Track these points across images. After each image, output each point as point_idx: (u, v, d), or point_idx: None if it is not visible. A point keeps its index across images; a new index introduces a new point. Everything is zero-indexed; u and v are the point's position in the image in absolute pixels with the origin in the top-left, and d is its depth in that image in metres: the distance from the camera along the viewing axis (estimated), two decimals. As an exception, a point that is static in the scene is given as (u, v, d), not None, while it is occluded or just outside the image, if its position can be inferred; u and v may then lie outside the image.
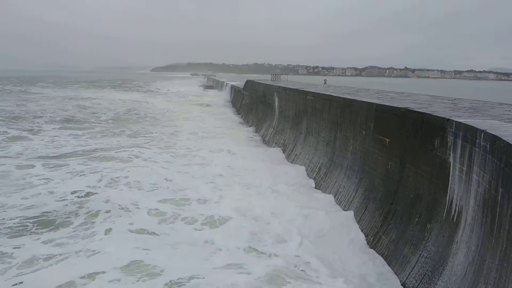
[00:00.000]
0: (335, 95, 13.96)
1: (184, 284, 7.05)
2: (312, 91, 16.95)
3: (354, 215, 10.27)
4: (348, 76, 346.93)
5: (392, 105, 9.60)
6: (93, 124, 27.87)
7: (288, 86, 21.93)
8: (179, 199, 11.77)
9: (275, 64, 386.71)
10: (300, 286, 7.07)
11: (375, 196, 9.77)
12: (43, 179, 13.39)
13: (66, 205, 10.79)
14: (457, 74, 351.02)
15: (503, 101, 12.46)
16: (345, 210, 10.84)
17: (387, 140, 9.49)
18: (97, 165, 15.29)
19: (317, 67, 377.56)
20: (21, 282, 7.05)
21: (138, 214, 10.41)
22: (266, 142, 22.15)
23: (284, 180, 14.01)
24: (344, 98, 12.76)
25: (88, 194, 11.68)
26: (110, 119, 30.43)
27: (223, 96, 55.54)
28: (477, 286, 5.24)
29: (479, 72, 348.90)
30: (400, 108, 9.06)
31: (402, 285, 7.22)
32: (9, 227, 9.38)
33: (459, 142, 6.49)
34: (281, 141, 19.98)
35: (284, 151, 18.65)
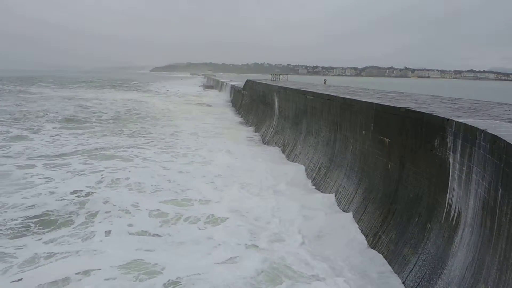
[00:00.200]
0: (335, 95, 13.96)
1: (182, 284, 7.07)
2: (312, 91, 16.96)
3: (354, 215, 10.28)
4: (348, 76, 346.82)
5: (392, 105, 9.60)
6: (93, 123, 27.88)
7: (288, 86, 21.94)
8: (181, 199, 11.78)
9: (275, 64, 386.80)
10: (299, 283, 7.08)
11: (375, 196, 9.78)
12: (43, 178, 13.44)
13: (67, 205, 10.81)
14: (457, 74, 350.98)
15: (503, 101, 12.47)
16: (344, 210, 10.85)
17: (387, 140, 9.50)
18: (98, 164, 15.35)
19: (317, 67, 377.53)
20: (21, 279, 7.09)
21: (139, 214, 10.42)
22: (266, 142, 22.15)
23: (283, 179, 14.02)
24: (344, 98, 12.77)
25: (88, 194, 11.70)
26: (110, 119, 30.43)
27: (223, 96, 55.57)
28: (477, 286, 5.24)
29: (479, 72, 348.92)
30: (400, 108, 9.06)
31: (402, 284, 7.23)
32: (10, 228, 9.39)
33: (459, 142, 6.50)
34: (281, 141, 19.99)
35: (284, 151, 18.65)
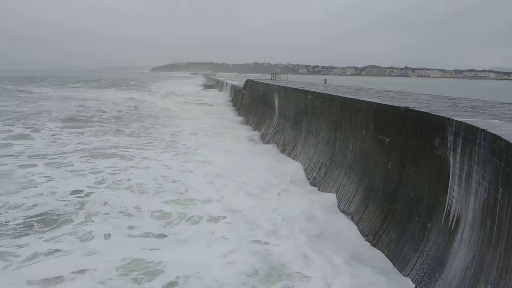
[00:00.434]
0: (335, 94, 13.96)
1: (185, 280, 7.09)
2: (312, 90, 16.96)
3: (354, 214, 10.29)
4: (348, 75, 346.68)
5: (393, 105, 9.60)
6: (94, 123, 27.90)
7: (288, 86, 21.94)
8: (184, 199, 11.77)
9: (275, 64, 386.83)
10: (299, 281, 7.10)
11: (375, 195, 9.78)
12: (44, 177, 13.45)
13: (67, 205, 10.79)
14: (458, 73, 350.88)
15: (503, 101, 12.48)
16: (345, 209, 10.86)
17: (387, 139, 9.50)
18: (99, 163, 15.40)
19: (317, 66, 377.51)
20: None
21: (140, 215, 10.40)
22: (266, 141, 22.15)
23: (284, 179, 14.04)
24: (344, 97, 12.77)
25: (89, 194, 11.69)
26: (111, 118, 30.44)
27: (223, 95, 55.59)
28: (477, 285, 5.25)
29: (480, 71, 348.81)
30: (400, 107, 9.06)
31: (402, 284, 7.23)
32: (12, 228, 9.42)
33: (460, 141, 6.50)
34: (281, 140, 19.99)
35: (284, 151, 18.66)
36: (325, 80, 42.00)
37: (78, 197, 11.44)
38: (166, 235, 9.27)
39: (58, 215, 10.15)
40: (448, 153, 6.89)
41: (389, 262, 7.97)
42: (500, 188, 5.04)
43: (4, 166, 14.86)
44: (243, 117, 33.52)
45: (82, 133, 23.54)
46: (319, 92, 15.70)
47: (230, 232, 9.34)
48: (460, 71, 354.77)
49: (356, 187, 10.88)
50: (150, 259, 7.98)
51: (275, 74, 39.58)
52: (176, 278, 7.21)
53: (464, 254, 5.88)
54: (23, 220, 9.79)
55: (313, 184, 13.71)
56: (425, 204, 7.62)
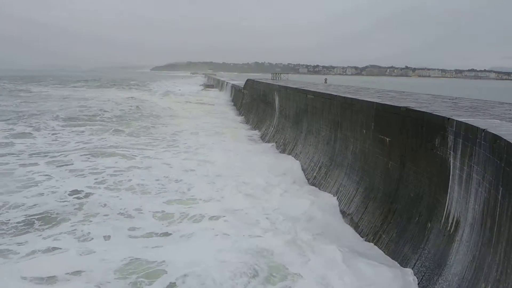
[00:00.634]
0: (335, 94, 13.96)
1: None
2: (313, 90, 16.96)
3: (354, 214, 10.29)
4: (348, 75, 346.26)
5: (393, 104, 9.61)
6: (95, 122, 27.95)
7: (288, 85, 21.94)
8: (186, 199, 11.79)
9: (276, 63, 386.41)
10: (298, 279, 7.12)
11: (375, 195, 9.79)
12: (45, 176, 13.48)
13: (67, 205, 10.81)
14: (458, 73, 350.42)
15: (504, 100, 12.48)
16: (345, 209, 10.87)
17: (387, 139, 9.50)
18: (101, 162, 15.45)
19: (317, 66, 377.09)
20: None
21: (141, 216, 10.40)
22: (267, 140, 22.15)
23: (284, 178, 14.05)
24: (344, 97, 12.77)
25: (89, 194, 11.70)
26: (112, 117, 30.48)
27: (224, 95, 55.57)
28: (477, 285, 5.25)
29: (480, 71, 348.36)
30: (400, 107, 9.07)
31: (402, 284, 7.23)
32: (13, 227, 9.45)
33: (460, 141, 6.50)
34: (282, 140, 20.00)
35: (284, 150, 18.66)
36: (326, 80, 41.96)
37: (78, 197, 11.47)
38: (170, 233, 9.34)
39: (58, 214, 10.19)
40: (448, 153, 6.89)
41: (390, 259, 7.98)
42: (501, 188, 5.04)
43: (6, 165, 14.91)
44: (243, 116, 33.53)
45: (83, 132, 23.62)
46: (319, 92, 15.70)
47: (230, 229, 9.37)
48: (461, 71, 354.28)
49: (356, 187, 10.89)
50: (154, 254, 8.08)
51: (276, 73, 39.56)
52: (176, 279, 7.20)
53: (464, 254, 5.89)
54: (23, 219, 9.84)
55: (313, 184, 13.71)
56: (425, 204, 7.62)
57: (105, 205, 10.90)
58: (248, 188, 12.91)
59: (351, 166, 11.64)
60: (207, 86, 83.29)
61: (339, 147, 12.90)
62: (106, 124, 27.18)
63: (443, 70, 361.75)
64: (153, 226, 9.76)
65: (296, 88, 19.39)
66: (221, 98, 51.82)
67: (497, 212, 5.08)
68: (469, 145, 6.18)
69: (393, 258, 7.95)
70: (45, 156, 16.59)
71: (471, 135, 6.11)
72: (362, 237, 9.40)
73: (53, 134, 22.49)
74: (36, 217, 9.97)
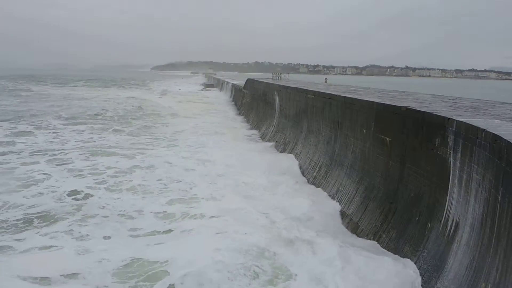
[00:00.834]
0: (335, 94, 13.96)
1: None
2: (313, 89, 16.95)
3: (354, 214, 10.29)
4: (348, 74, 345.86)
5: (393, 104, 9.61)
6: (96, 121, 28.01)
7: (288, 85, 21.94)
8: (188, 198, 11.82)
9: (276, 63, 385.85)
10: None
11: (375, 195, 9.79)
12: (46, 175, 13.50)
13: (66, 205, 10.84)
14: (458, 73, 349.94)
15: (504, 100, 12.47)
16: (345, 209, 10.87)
17: (387, 139, 9.51)
18: (102, 161, 15.49)
19: (317, 66, 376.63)
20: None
21: (142, 217, 10.41)
22: (267, 140, 22.15)
23: (284, 178, 14.06)
24: (345, 97, 12.76)
25: (88, 195, 11.70)
26: (112, 117, 30.53)
27: (224, 94, 55.59)
28: (478, 285, 5.26)
29: (480, 71, 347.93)
30: (401, 107, 9.07)
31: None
32: (13, 224, 9.50)
33: (460, 141, 6.50)
34: (282, 139, 20.00)
35: (285, 150, 18.66)
36: (326, 79, 41.94)
37: (76, 198, 11.50)
38: (171, 230, 9.47)
39: (58, 215, 10.20)
40: (448, 153, 6.89)
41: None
42: (501, 188, 5.04)
43: (8, 164, 14.95)
44: (243, 116, 33.53)
45: (83, 131, 23.69)
46: (319, 92, 15.70)
47: (230, 228, 9.37)
48: (461, 71, 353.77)
49: (356, 187, 10.89)
50: (156, 252, 8.13)
51: (276, 73, 39.56)
52: (176, 279, 7.18)
53: (465, 253, 5.89)
54: (22, 217, 9.89)
55: (313, 183, 13.71)
56: (425, 204, 7.62)
57: (104, 207, 10.91)
58: (248, 188, 12.93)
59: (351, 165, 11.64)
60: (208, 85, 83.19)
61: (339, 146, 12.90)
62: (109, 123, 27.24)
63: (443, 70, 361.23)
64: (154, 225, 9.81)
65: (296, 88, 19.39)
66: (221, 98, 51.84)
67: (497, 212, 5.08)
68: (469, 145, 6.18)
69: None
70: (45, 154, 16.67)
71: (472, 135, 6.11)
72: (362, 237, 9.39)
73: (54, 132, 22.59)
74: (35, 216, 10.01)
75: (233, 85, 49.25)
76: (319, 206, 11.22)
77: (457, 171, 6.54)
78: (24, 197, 11.38)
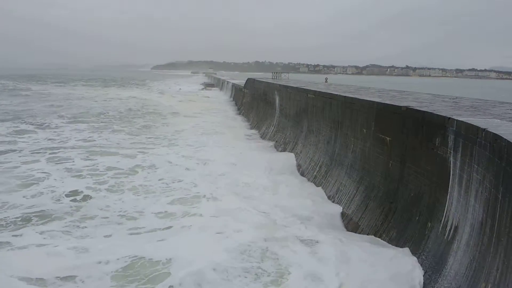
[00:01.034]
0: (336, 93, 13.95)
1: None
2: (313, 89, 16.95)
3: (354, 213, 10.30)
4: (349, 74, 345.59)
5: (393, 104, 9.61)
6: (97, 120, 28.09)
7: (289, 85, 21.94)
8: (190, 197, 11.83)
9: (276, 62, 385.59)
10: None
11: (375, 194, 9.79)
12: (46, 174, 13.52)
13: (66, 205, 10.87)
14: (459, 72, 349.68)
15: (504, 100, 12.48)
16: (345, 208, 10.87)
17: (388, 138, 9.51)
18: (102, 161, 15.52)
19: (318, 65, 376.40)
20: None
21: (142, 218, 10.42)
22: (267, 139, 22.15)
23: (284, 177, 14.07)
24: (345, 96, 12.76)
25: (88, 196, 11.71)
26: (113, 116, 30.55)
27: (224, 94, 55.58)
28: (478, 285, 5.26)
29: (481, 71, 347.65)
30: (401, 106, 9.07)
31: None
32: (12, 222, 9.54)
33: (460, 141, 6.50)
34: (282, 139, 20.00)
35: (285, 149, 18.65)
36: (326, 79, 41.91)
37: (75, 199, 11.51)
38: (171, 226, 9.57)
39: (58, 214, 10.23)
40: (448, 152, 6.89)
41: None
42: (501, 188, 5.05)
43: (9, 163, 14.97)
44: (244, 115, 33.53)
45: (85, 129, 23.78)
46: (320, 91, 15.70)
47: (231, 228, 9.40)
48: (461, 71, 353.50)
49: (356, 186, 10.89)
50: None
51: (276, 73, 39.57)
52: (177, 279, 7.20)
53: (465, 253, 5.89)
54: (21, 215, 9.92)
55: (313, 183, 13.71)
56: (425, 203, 7.62)
57: (107, 205, 10.94)
58: (248, 187, 12.93)
59: (352, 165, 11.64)
60: (208, 85, 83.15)
61: (339, 146, 12.90)
62: (109, 122, 27.27)
63: (443, 70, 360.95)
64: (155, 223, 9.86)
65: (296, 87, 19.39)
66: (222, 97, 51.84)
67: (498, 212, 5.09)
68: (469, 144, 6.18)
69: (393, 258, 7.95)
70: (48, 155, 16.66)
71: (472, 135, 6.11)
72: (363, 236, 9.39)
73: (55, 132, 22.64)
74: (33, 215, 10.04)
75: (233, 84, 49.24)
76: (319, 206, 11.23)
77: (457, 171, 6.55)
78: (23, 196, 11.39)
